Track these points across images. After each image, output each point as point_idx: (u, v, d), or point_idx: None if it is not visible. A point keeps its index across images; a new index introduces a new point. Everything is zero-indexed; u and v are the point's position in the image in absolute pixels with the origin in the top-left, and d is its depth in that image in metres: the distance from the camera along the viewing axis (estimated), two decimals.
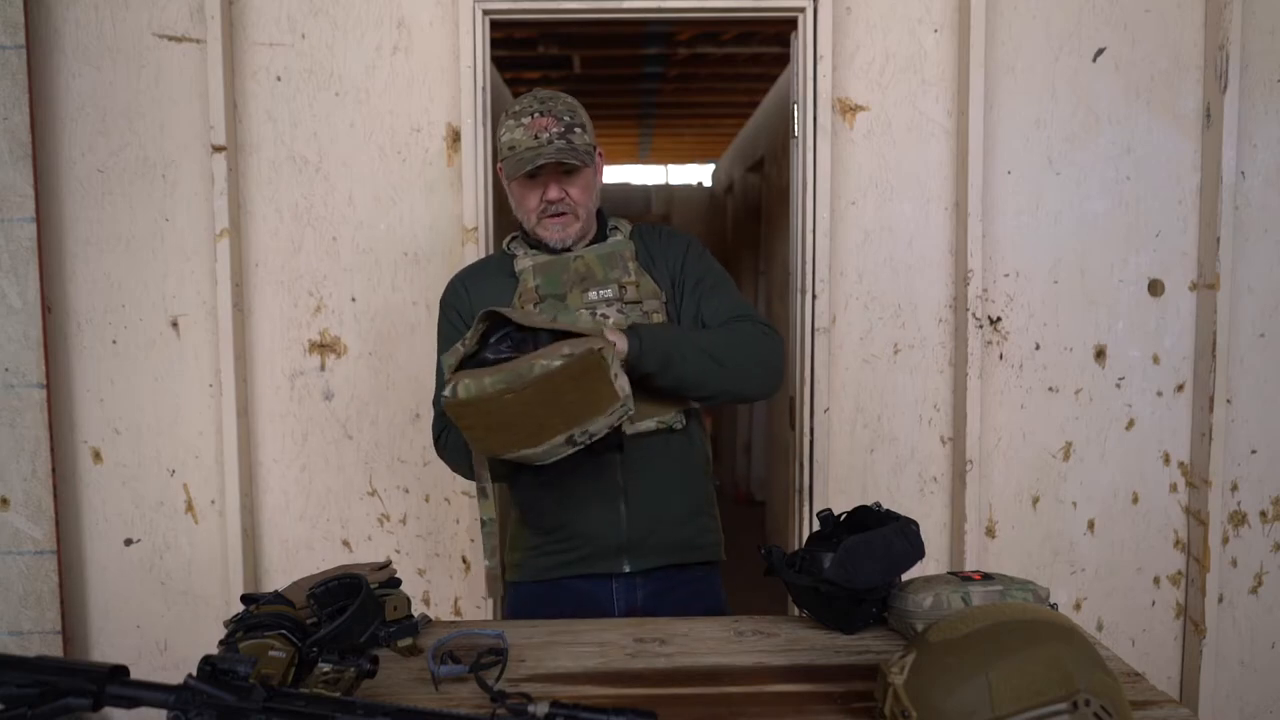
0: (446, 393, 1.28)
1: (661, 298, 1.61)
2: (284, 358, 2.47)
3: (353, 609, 1.19)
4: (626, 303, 1.57)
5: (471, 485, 2.45)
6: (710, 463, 1.72)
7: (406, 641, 1.30)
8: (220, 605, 2.45)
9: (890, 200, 2.48)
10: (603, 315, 1.56)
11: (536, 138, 1.52)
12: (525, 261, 1.61)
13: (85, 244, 2.42)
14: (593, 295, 1.57)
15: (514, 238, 1.68)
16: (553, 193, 1.56)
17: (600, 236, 1.65)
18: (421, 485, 2.50)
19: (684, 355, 1.48)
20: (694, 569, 1.65)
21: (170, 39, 2.40)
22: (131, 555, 2.49)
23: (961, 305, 2.45)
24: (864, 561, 1.30)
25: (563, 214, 1.58)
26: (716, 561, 1.70)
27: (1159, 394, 2.52)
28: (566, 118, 1.55)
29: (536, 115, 1.54)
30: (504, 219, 2.67)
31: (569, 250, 1.61)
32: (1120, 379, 2.52)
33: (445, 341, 1.63)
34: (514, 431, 1.31)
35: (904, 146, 2.47)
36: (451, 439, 1.57)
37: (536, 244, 1.63)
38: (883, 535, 1.33)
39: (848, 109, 2.46)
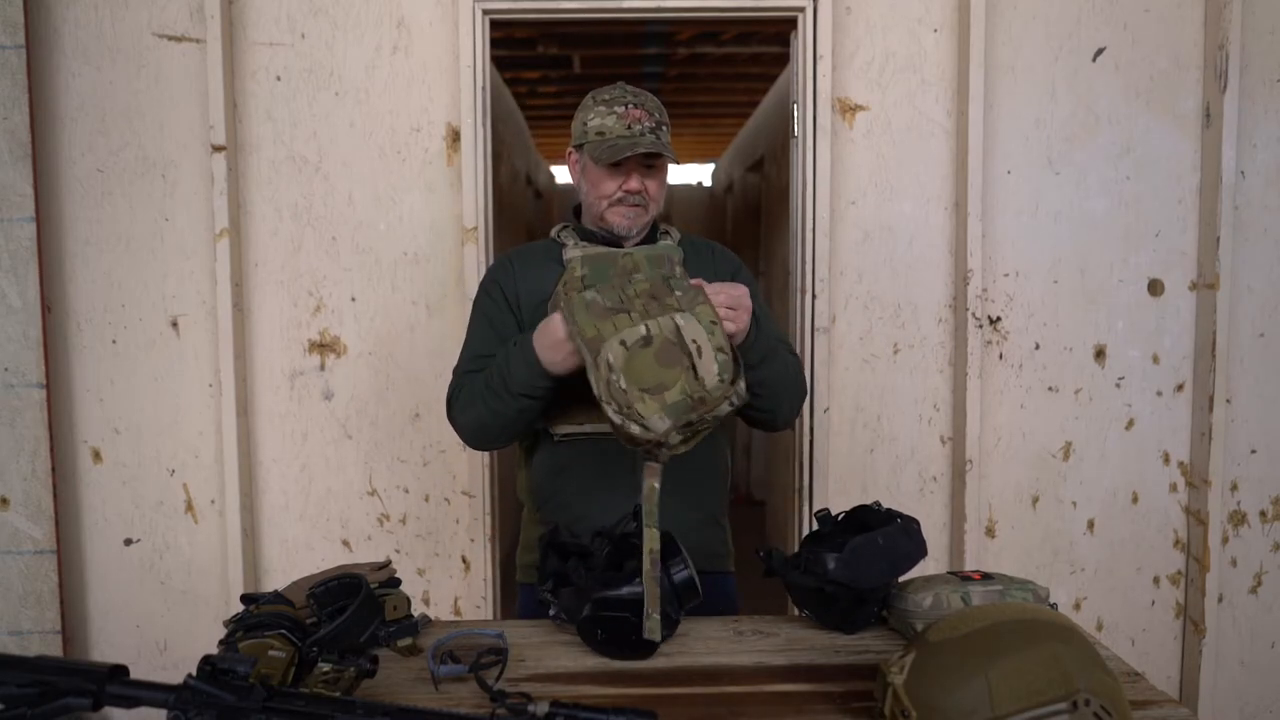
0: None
1: None
2: (284, 357, 2.47)
3: (353, 609, 1.19)
4: None
5: (471, 486, 2.47)
6: (729, 472, 1.71)
7: (406, 641, 1.30)
8: (220, 605, 2.45)
9: (890, 200, 2.48)
10: None
11: (630, 128, 1.56)
12: (574, 251, 1.61)
13: (85, 244, 2.42)
14: None
15: (564, 227, 1.68)
16: (634, 183, 1.58)
17: (650, 239, 1.66)
18: (421, 485, 2.50)
19: (779, 358, 1.53)
20: (705, 577, 1.64)
21: (170, 39, 2.39)
22: (131, 555, 2.49)
23: (961, 305, 2.45)
24: (869, 561, 1.30)
25: (636, 205, 1.61)
26: (726, 572, 1.69)
27: (1159, 394, 2.52)
28: (656, 114, 1.59)
29: (630, 106, 1.57)
30: (503, 219, 2.67)
31: (619, 245, 1.62)
32: (1120, 379, 2.52)
33: (485, 317, 1.63)
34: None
35: (904, 146, 2.47)
36: (470, 388, 1.55)
37: (588, 235, 1.64)
38: (887, 534, 1.33)
39: (847, 109, 2.46)
